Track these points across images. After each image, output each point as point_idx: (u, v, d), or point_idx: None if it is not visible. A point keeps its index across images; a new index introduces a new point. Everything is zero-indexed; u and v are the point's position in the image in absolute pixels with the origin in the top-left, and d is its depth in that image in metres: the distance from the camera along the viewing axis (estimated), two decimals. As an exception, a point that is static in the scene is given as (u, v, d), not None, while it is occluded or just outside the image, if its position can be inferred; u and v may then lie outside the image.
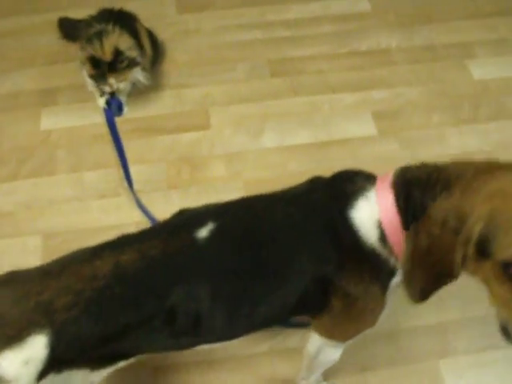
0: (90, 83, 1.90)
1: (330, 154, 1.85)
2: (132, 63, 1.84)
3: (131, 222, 1.73)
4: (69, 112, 2.00)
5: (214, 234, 0.93)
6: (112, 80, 1.83)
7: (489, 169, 0.83)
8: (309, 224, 0.94)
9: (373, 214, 0.90)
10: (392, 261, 0.92)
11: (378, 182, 0.94)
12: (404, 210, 0.88)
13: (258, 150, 1.88)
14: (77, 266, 0.89)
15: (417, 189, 0.87)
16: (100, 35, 1.76)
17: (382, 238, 0.90)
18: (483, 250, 0.77)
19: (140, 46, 1.91)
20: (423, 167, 0.91)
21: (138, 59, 1.86)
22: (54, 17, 2.21)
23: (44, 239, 1.71)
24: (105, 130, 1.92)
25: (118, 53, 1.78)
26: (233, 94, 2.02)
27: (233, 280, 0.92)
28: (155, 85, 2.05)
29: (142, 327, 0.90)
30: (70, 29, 2.13)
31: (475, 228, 0.76)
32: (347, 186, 0.96)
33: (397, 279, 0.95)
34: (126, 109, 1.98)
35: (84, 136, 1.94)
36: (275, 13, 2.25)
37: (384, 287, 0.95)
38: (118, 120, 1.92)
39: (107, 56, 1.77)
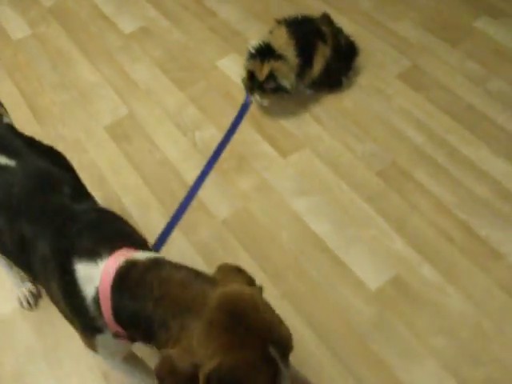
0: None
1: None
2: (280, 89, 1.99)
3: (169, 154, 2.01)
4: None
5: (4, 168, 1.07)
6: (257, 96, 2.03)
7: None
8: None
9: (94, 280, 0.95)
10: (100, 322, 0.98)
11: (113, 257, 0.96)
12: (116, 304, 0.93)
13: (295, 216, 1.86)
14: None
15: (130, 296, 0.91)
16: (264, 58, 1.95)
17: (96, 302, 0.96)
18: None
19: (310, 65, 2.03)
20: (152, 271, 0.92)
21: (288, 89, 2.01)
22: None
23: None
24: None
25: (271, 76, 1.96)
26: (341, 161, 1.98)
27: None
28: (300, 100, 2.15)
29: None
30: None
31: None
32: (97, 240, 0.99)
33: (105, 335, 1.02)
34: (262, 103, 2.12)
35: (224, 87, 2.23)
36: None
37: (91, 334, 1.03)
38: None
39: (261, 77, 1.97)
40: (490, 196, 1.85)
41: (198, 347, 0.80)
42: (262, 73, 1.96)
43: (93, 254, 0.96)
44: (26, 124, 2.14)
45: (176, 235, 1.80)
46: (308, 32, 2.01)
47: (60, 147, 2.06)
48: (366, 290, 1.66)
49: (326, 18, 2.12)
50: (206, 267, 1.71)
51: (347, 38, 2.16)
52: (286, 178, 1.92)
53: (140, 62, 2.34)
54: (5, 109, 1.40)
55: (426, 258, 1.72)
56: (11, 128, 1.16)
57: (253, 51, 1.98)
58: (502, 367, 1.51)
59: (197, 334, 0.81)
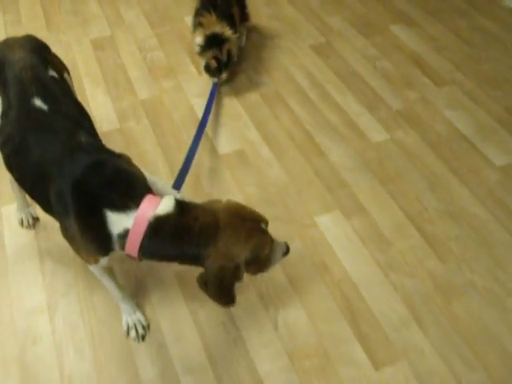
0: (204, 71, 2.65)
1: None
2: (232, 62, 2.59)
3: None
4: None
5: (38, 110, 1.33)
6: (224, 74, 2.54)
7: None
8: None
9: (124, 223, 1.21)
10: (116, 247, 1.27)
11: (145, 203, 1.22)
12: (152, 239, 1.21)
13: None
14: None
15: (165, 243, 1.21)
16: (221, 43, 2.49)
17: (122, 237, 1.22)
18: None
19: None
20: (177, 220, 1.21)
21: (235, 59, 2.61)
22: None
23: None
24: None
25: (229, 54, 2.55)
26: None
27: None
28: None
29: None
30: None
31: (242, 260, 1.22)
32: (126, 188, 1.23)
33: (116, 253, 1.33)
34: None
35: (182, 33, 3.01)
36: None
37: (103, 254, 1.30)
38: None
39: (224, 57, 2.54)
40: (337, 122, 2.47)
41: (231, 248, 1.20)
42: (223, 54, 2.50)
43: (124, 205, 1.21)
44: (39, 30, 3.01)
45: (104, 100, 2.54)
46: (225, 6, 2.65)
47: (55, 46, 2.89)
48: (215, 153, 2.31)
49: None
50: (118, 123, 2.43)
51: None
52: (195, 87, 2.64)
53: (133, 9, 3.19)
54: (67, 70, 1.72)
55: (267, 144, 2.35)
56: (55, 79, 1.42)
57: (202, 43, 2.50)
58: (288, 212, 2.09)
59: (224, 241, 1.20)
